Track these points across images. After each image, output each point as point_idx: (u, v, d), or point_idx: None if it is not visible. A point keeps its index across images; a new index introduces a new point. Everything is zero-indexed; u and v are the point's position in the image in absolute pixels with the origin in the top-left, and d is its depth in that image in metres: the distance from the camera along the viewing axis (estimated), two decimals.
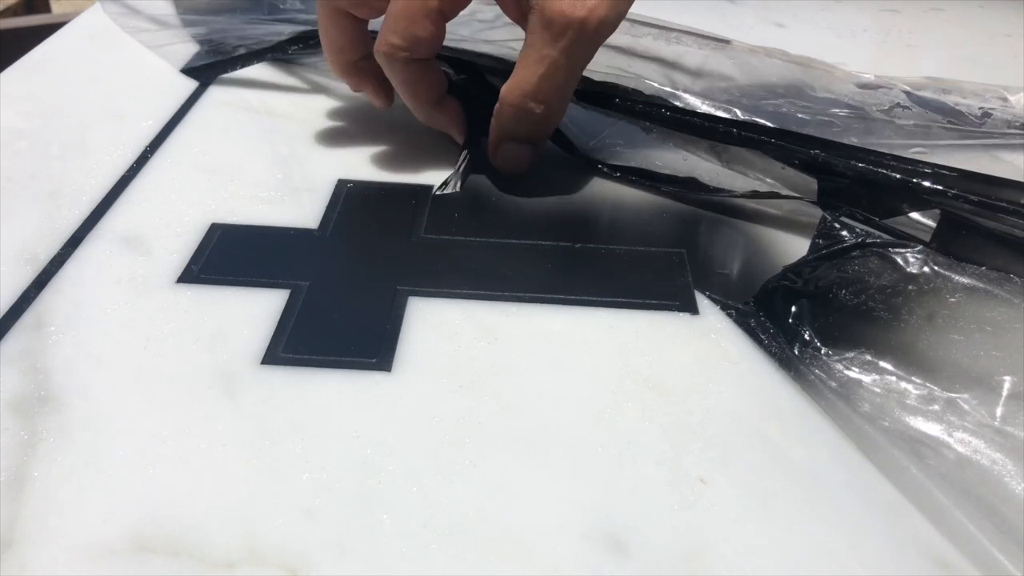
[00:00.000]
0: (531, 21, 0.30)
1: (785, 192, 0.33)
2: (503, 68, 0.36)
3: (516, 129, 0.33)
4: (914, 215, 0.31)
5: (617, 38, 0.40)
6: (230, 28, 0.46)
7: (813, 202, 0.32)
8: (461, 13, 0.32)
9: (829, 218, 0.30)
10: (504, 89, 0.32)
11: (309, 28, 0.44)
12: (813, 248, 0.30)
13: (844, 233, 0.30)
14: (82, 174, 0.35)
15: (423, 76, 0.33)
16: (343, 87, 0.43)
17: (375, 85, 0.36)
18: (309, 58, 0.44)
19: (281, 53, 0.44)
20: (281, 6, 0.48)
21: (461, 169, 0.35)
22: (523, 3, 0.30)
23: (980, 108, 0.36)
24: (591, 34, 0.30)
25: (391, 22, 0.31)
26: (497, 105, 0.33)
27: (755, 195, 0.34)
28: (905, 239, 0.30)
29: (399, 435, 0.24)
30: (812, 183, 0.32)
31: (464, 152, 0.35)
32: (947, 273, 0.28)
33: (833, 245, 0.30)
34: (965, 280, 0.28)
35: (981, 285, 0.27)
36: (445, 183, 0.34)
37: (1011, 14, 0.55)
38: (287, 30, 0.44)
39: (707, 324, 0.28)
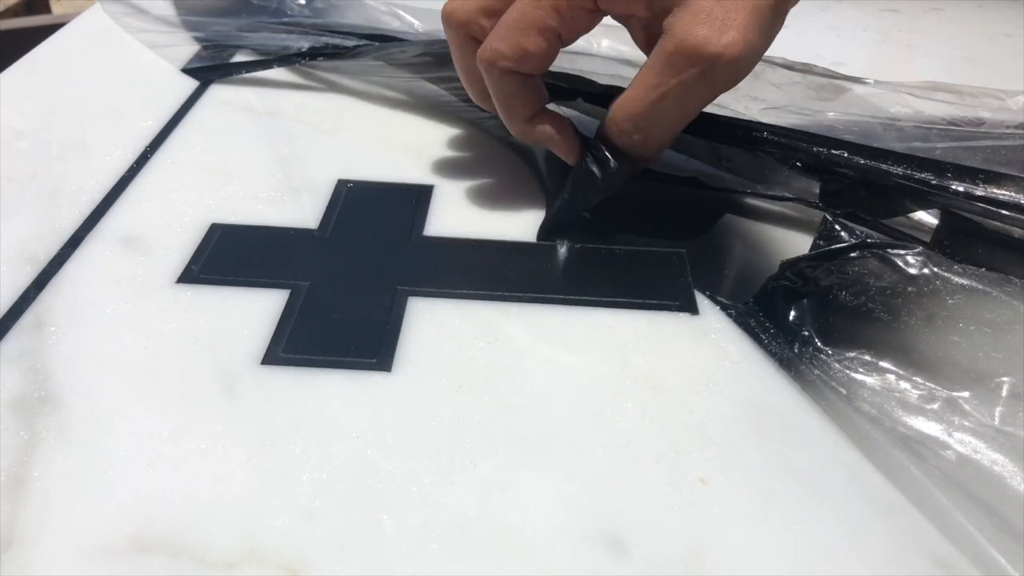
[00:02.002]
0: (659, 43, 0.27)
1: (786, 194, 0.33)
2: (603, 92, 0.35)
3: (615, 144, 0.30)
4: (915, 216, 0.31)
5: (621, 49, 0.39)
6: (233, 33, 0.46)
7: (814, 204, 0.32)
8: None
9: (830, 218, 0.30)
10: (613, 104, 0.30)
11: (317, 43, 0.43)
12: (814, 248, 0.30)
13: (844, 234, 0.30)
14: (82, 174, 0.35)
15: (521, 90, 0.31)
16: (343, 87, 0.43)
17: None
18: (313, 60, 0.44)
19: (289, 64, 0.44)
20: (289, 12, 0.48)
21: (556, 212, 0.33)
22: (653, 26, 0.28)
23: (978, 112, 0.37)
24: (719, 73, 0.27)
25: (502, 30, 0.29)
26: (605, 116, 0.31)
27: (756, 194, 0.34)
28: (906, 240, 0.30)
29: (399, 435, 0.24)
30: (813, 186, 0.32)
31: (557, 197, 0.33)
32: (946, 275, 0.28)
33: (833, 245, 0.30)
34: (964, 282, 0.28)
35: (980, 287, 0.27)
36: (546, 230, 0.33)
37: (1011, 14, 0.55)
38: (292, 36, 0.44)
39: (707, 324, 0.28)
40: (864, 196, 0.31)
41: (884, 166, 0.30)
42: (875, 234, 0.30)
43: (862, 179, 0.31)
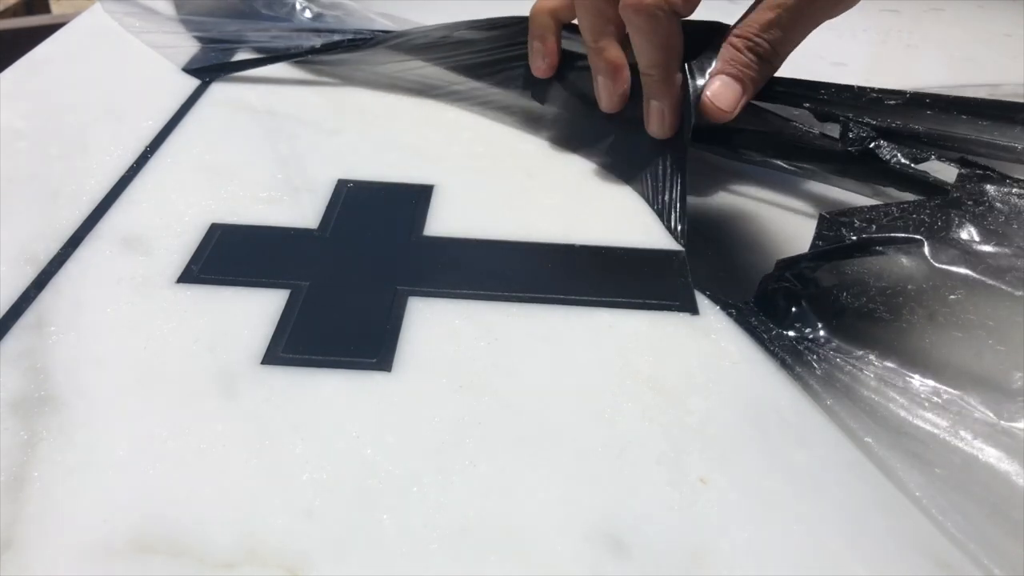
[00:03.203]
0: None
1: (811, 131, 0.34)
2: None
3: (733, 62, 0.33)
4: (936, 164, 0.32)
5: None
6: (237, 32, 0.46)
7: (836, 141, 0.33)
8: None
9: (828, 217, 0.30)
10: (736, 27, 0.33)
11: (328, 41, 0.43)
12: (813, 248, 0.30)
13: (844, 231, 0.30)
14: (82, 174, 0.35)
15: (679, 33, 0.33)
16: (344, 87, 0.43)
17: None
18: (312, 58, 0.44)
19: (299, 58, 0.44)
20: (295, 19, 0.47)
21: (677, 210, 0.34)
22: None
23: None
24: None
25: None
26: (723, 44, 0.33)
27: (781, 135, 0.34)
28: (927, 190, 0.31)
29: (399, 435, 0.24)
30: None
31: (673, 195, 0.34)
32: (948, 268, 0.27)
33: (833, 244, 0.29)
34: (965, 273, 0.27)
35: (982, 279, 0.27)
36: (675, 234, 0.33)
37: (1011, 14, 0.55)
38: (302, 35, 0.44)
39: (707, 324, 0.28)
40: (885, 146, 0.32)
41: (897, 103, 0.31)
42: (874, 229, 0.30)
43: (883, 126, 0.32)
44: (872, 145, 0.32)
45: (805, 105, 0.34)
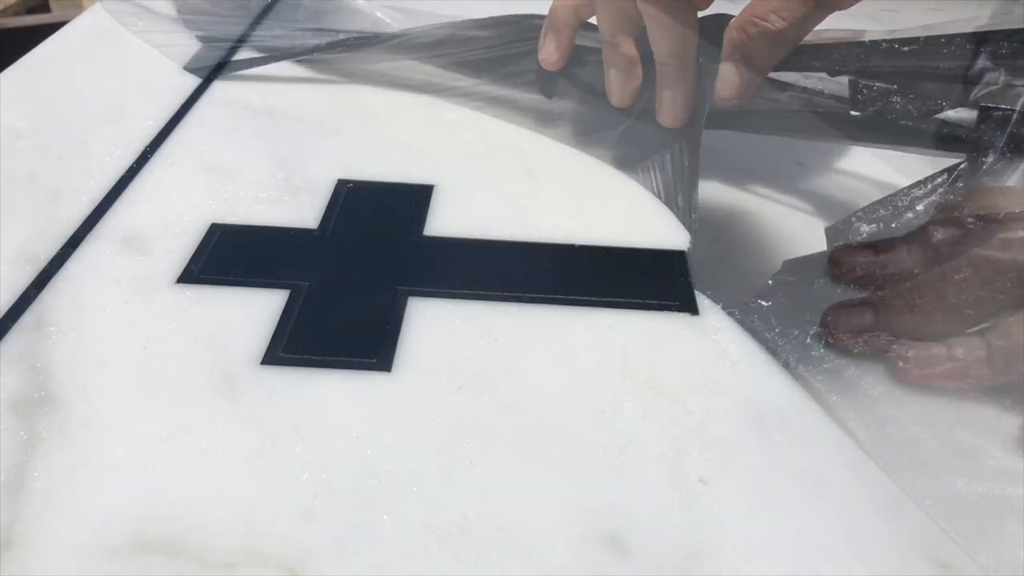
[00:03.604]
0: None
1: (824, 95, 0.33)
2: None
3: (742, 46, 0.32)
4: (952, 115, 0.31)
5: None
6: (238, 31, 0.46)
7: (843, 103, 0.32)
8: None
9: (835, 228, 0.30)
10: (744, 9, 0.32)
11: (331, 39, 0.43)
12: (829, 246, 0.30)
13: (851, 238, 0.29)
14: (82, 174, 0.35)
15: (696, 25, 0.33)
16: (344, 86, 0.43)
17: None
18: (314, 56, 0.44)
19: (303, 56, 0.44)
20: (298, 18, 0.47)
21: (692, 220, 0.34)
22: None
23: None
24: None
25: None
26: (728, 29, 0.32)
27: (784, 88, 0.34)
28: (943, 142, 0.30)
29: (399, 435, 0.24)
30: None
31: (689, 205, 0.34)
32: (953, 248, 0.27)
33: (837, 244, 0.29)
34: (973, 252, 0.26)
35: (990, 255, 0.26)
36: (686, 221, 0.33)
37: (1011, 14, 0.55)
38: (306, 34, 0.44)
39: (707, 324, 0.28)
40: (898, 101, 0.31)
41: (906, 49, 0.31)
42: (879, 227, 0.30)
43: (899, 71, 0.31)
44: (882, 104, 0.31)
45: (816, 65, 0.33)
